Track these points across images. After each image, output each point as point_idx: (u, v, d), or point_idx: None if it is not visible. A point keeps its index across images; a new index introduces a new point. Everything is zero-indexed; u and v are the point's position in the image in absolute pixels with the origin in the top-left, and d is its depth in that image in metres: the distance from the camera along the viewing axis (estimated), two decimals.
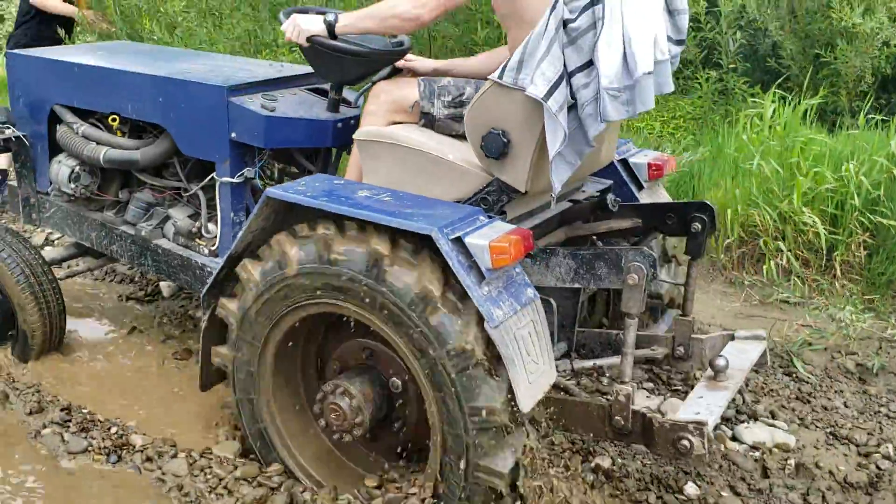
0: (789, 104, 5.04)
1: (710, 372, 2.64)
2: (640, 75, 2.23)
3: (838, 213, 4.51)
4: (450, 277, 2.23)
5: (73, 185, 3.35)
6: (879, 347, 3.88)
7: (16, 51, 3.63)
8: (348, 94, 3.16)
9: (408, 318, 2.24)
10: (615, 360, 2.78)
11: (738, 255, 4.69)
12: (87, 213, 3.46)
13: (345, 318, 2.53)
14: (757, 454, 3.13)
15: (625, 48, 2.22)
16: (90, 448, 3.00)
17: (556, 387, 2.67)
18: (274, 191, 2.45)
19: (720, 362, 2.60)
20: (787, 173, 4.58)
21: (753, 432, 3.22)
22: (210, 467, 2.87)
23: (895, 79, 5.78)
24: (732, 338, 2.86)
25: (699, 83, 6.01)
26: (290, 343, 2.66)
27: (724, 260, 4.74)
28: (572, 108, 2.28)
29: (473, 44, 5.63)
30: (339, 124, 2.97)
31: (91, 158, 3.24)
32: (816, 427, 3.34)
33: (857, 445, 3.22)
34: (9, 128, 3.47)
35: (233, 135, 2.91)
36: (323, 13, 2.72)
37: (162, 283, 4.26)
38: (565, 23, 2.20)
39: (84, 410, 3.22)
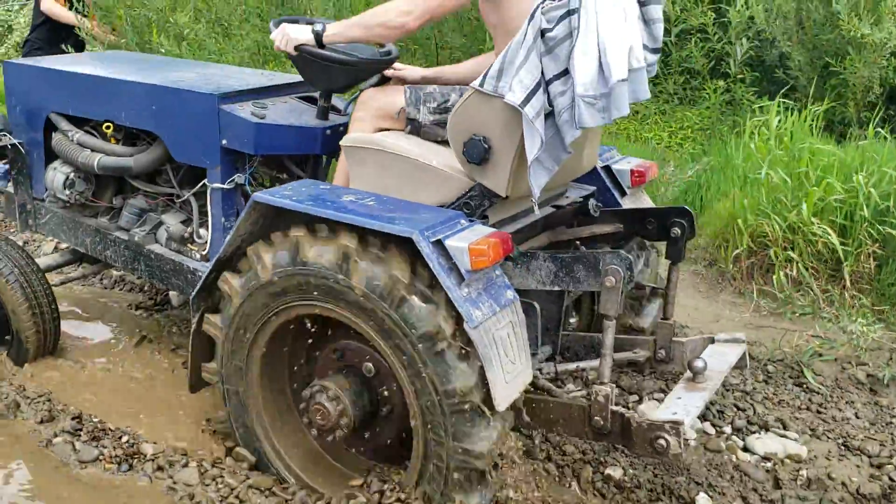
0: (793, 112, 5.19)
1: (689, 374, 2.82)
2: (614, 82, 2.40)
3: (847, 224, 4.63)
4: (420, 270, 2.43)
5: (67, 192, 3.58)
6: (890, 358, 4.00)
7: (12, 60, 3.89)
8: (338, 101, 3.37)
9: (380, 309, 2.43)
10: (597, 362, 2.97)
11: (747, 265, 4.83)
12: (81, 220, 3.68)
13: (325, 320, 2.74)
14: (769, 465, 3.25)
15: (600, 57, 2.39)
16: (101, 457, 3.12)
17: (537, 388, 2.88)
18: (261, 195, 2.65)
19: (698, 364, 2.79)
20: (795, 183, 4.72)
21: (765, 443, 3.35)
22: (222, 476, 2.98)
23: None
24: (713, 341, 3.04)
25: (707, 94, 6.21)
26: (277, 347, 2.86)
27: (732, 270, 4.88)
28: (550, 115, 2.47)
29: (480, 53, 5.86)
30: (329, 131, 3.17)
31: (85, 165, 3.46)
32: (828, 438, 3.46)
33: (870, 457, 3.34)
34: (5, 135, 3.72)
35: (224, 141, 3.12)
36: (312, 23, 2.93)
37: (171, 293, 4.43)
38: (543, 32, 2.38)
39: (95, 419, 3.35)
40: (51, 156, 3.70)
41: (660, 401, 3.57)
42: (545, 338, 3.18)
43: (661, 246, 3.35)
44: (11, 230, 5.22)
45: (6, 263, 3.52)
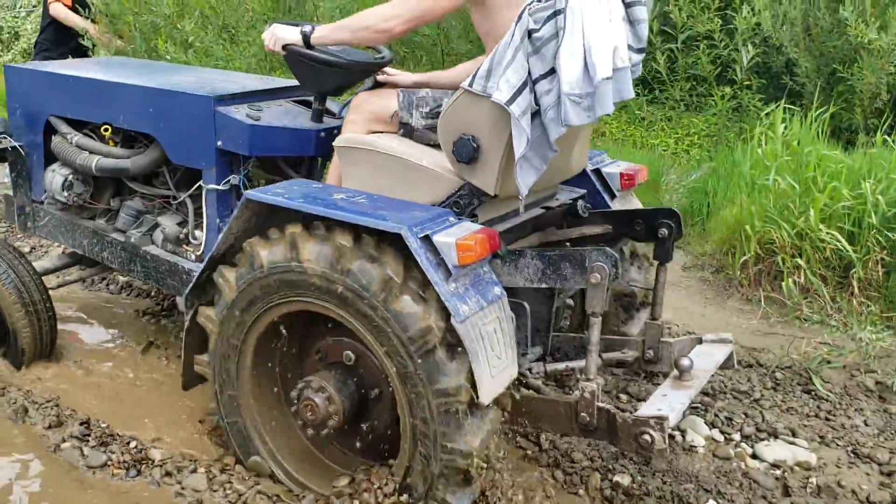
0: (798, 118, 5.30)
1: (675, 372, 2.94)
2: (599, 81, 2.52)
3: (855, 231, 4.72)
4: (412, 268, 2.55)
5: (66, 194, 3.74)
6: None
7: (13, 64, 4.07)
8: (333, 105, 3.52)
9: (370, 306, 2.56)
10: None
11: (755, 272, 4.93)
12: (79, 221, 3.84)
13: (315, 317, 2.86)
14: (778, 472, 3.32)
15: (585, 56, 2.52)
16: (109, 462, 3.21)
17: (526, 386, 3.00)
18: (252, 193, 2.79)
19: (684, 363, 2.91)
20: (802, 189, 4.82)
21: (774, 450, 3.43)
22: (230, 482, 3.06)
23: None
24: (700, 341, 3.16)
25: (713, 100, 6.34)
26: (268, 343, 2.99)
27: (740, 277, 4.98)
28: (536, 113, 2.59)
29: None
30: (323, 133, 3.31)
31: (84, 167, 3.62)
32: (837, 445, 3.54)
33: (879, 464, 3.41)
34: (6, 138, 3.89)
35: (219, 143, 3.26)
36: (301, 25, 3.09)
37: (178, 299, 4.48)
38: (530, 33, 2.51)
39: (103, 424, 3.45)
40: (50, 158, 3.87)
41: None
42: (536, 339, 3.30)
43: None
44: (19, 236, 5.41)
45: (2, 267, 3.67)
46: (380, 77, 3.34)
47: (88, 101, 3.65)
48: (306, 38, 3.00)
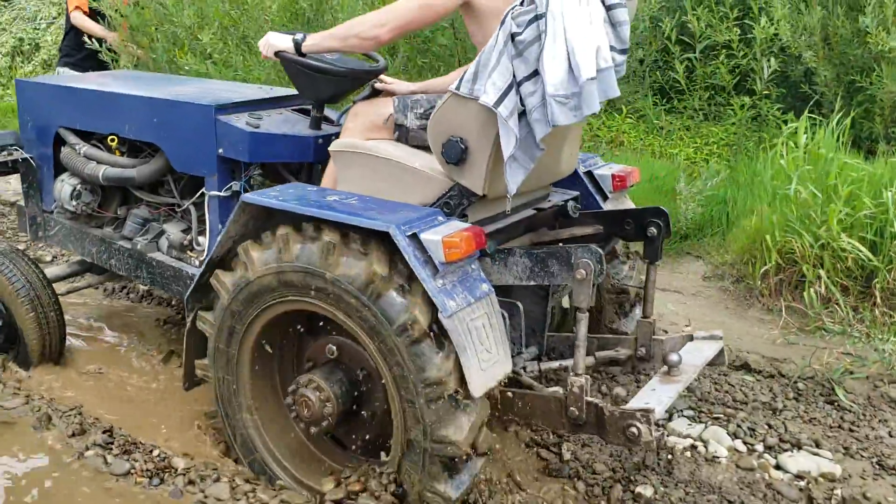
0: (820, 127, 5.39)
1: (664, 368, 3.10)
2: (584, 81, 2.68)
3: (878, 241, 4.79)
4: (398, 263, 2.72)
5: (74, 203, 3.99)
6: None
7: (24, 78, 4.36)
8: (332, 113, 3.73)
9: (359, 300, 2.73)
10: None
11: (776, 281, 5.02)
12: (88, 230, 4.09)
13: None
14: (802, 484, 3.39)
15: (569, 58, 2.68)
16: (133, 471, 3.32)
17: (519, 384, 3.17)
18: (248, 196, 3.00)
19: (673, 358, 3.06)
20: (824, 198, 4.91)
21: (798, 461, 3.50)
22: (254, 492, 3.15)
23: None
24: (691, 338, 3.32)
25: (732, 109, 6.48)
26: (266, 343, 3.18)
27: (761, 287, 5.07)
28: (523, 114, 2.77)
29: None
30: (321, 140, 3.51)
31: (91, 177, 3.87)
32: (862, 457, 3.60)
33: None
34: (17, 150, 4.17)
35: (220, 150, 3.48)
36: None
37: None
38: (513, 36, 2.69)
39: (125, 433, 3.57)
40: (60, 169, 4.13)
41: (690, 419, 3.82)
42: (531, 339, 3.47)
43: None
44: (40, 245, 5.68)
45: (14, 273, 3.94)
46: (377, 85, 3.55)
47: (95, 113, 3.90)
48: (298, 46, 3.21)
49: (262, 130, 3.44)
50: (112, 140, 3.89)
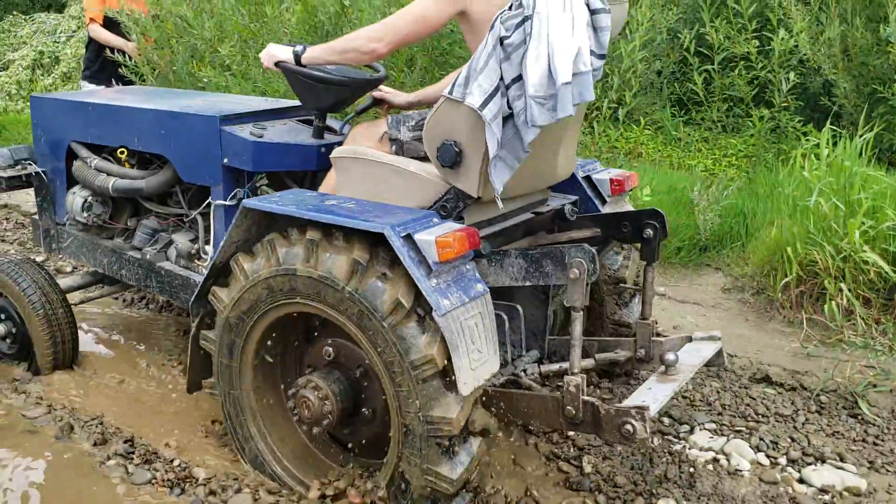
0: (842, 140, 5.42)
1: (662, 367, 3.18)
2: (560, 85, 2.78)
3: None
4: (379, 251, 2.85)
5: (85, 214, 4.17)
6: None
7: (38, 94, 4.56)
8: (335, 123, 3.88)
9: (342, 290, 2.85)
10: (583, 363, 3.33)
11: (797, 294, 5.05)
12: (99, 241, 4.27)
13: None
14: (826, 497, 3.41)
15: (549, 61, 2.78)
16: (154, 480, 3.39)
17: (518, 385, 3.26)
18: (249, 201, 3.13)
19: (670, 357, 3.14)
20: (847, 211, 4.94)
21: (822, 475, 3.51)
22: (277, 502, 3.22)
23: None
24: (690, 339, 3.40)
25: (751, 121, 6.54)
26: (266, 353, 3.30)
27: (781, 299, 5.11)
28: (510, 117, 2.87)
29: None
30: (323, 149, 3.65)
31: (101, 188, 4.05)
32: (887, 471, 3.61)
33: None
34: (31, 164, 4.37)
35: (225, 160, 3.63)
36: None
37: None
38: (502, 40, 2.80)
39: (146, 442, 3.66)
40: (72, 182, 4.32)
41: (711, 431, 3.87)
42: (533, 343, 3.56)
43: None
44: (60, 256, 5.86)
45: (28, 283, 4.12)
46: (375, 94, 3.70)
47: (105, 126, 4.08)
48: (297, 57, 3.36)
49: (266, 140, 3.59)
50: (122, 153, 4.07)
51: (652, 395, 3.03)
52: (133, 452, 3.60)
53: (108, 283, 4.62)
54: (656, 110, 7.25)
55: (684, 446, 3.75)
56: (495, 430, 2.99)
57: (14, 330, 4.28)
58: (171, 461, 3.55)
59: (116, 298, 5.04)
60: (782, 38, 6.28)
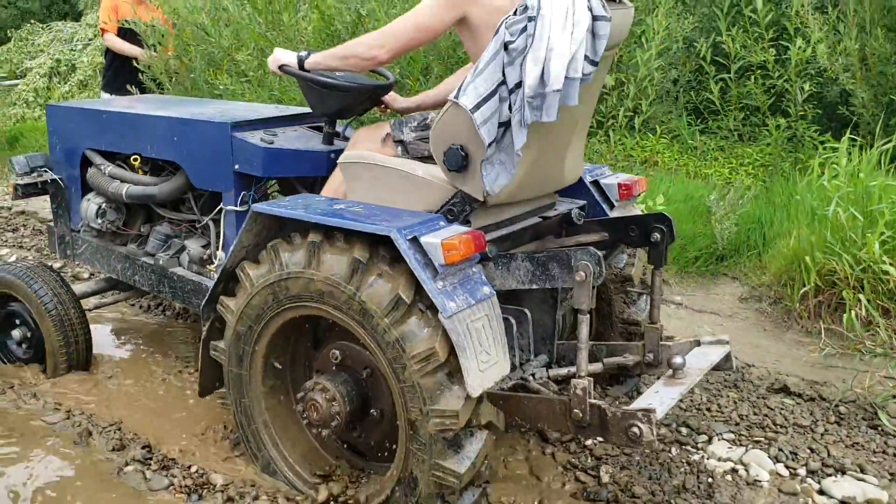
0: (861, 149, 5.45)
1: (669, 371, 3.22)
2: (550, 91, 2.82)
3: None
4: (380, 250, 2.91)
5: (99, 221, 4.27)
6: None
7: (54, 103, 4.68)
8: (345, 129, 3.97)
9: (344, 290, 2.92)
10: (592, 367, 3.39)
11: (815, 303, 5.06)
12: (113, 247, 4.37)
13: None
14: None
15: (545, 64, 2.83)
16: (172, 486, 3.45)
17: (527, 389, 3.32)
18: (258, 206, 3.20)
19: (677, 361, 3.18)
20: (866, 221, 4.96)
21: (842, 487, 3.51)
22: None
23: None
24: (698, 343, 3.44)
25: (767, 130, 6.57)
26: (274, 360, 3.38)
27: (799, 309, 5.12)
28: (508, 122, 2.94)
29: None
30: (333, 155, 3.73)
31: (115, 195, 4.15)
32: None
33: None
34: (46, 171, 4.48)
35: (236, 166, 3.71)
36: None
37: None
38: (506, 45, 2.87)
39: (164, 448, 3.72)
40: (86, 189, 4.43)
41: (730, 442, 3.89)
42: (541, 347, 3.62)
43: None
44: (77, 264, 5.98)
45: (43, 290, 4.22)
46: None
47: (119, 134, 4.19)
48: (301, 62, 3.46)
49: (276, 146, 3.67)
50: (135, 160, 4.17)
51: (658, 398, 3.07)
52: (150, 458, 3.66)
53: (123, 288, 4.71)
54: (672, 119, 7.29)
55: (702, 456, 3.77)
56: (501, 425, 3.03)
57: (29, 335, 4.40)
58: (189, 467, 3.60)
59: (133, 305, 5.13)
60: (799, 47, 6.31)
